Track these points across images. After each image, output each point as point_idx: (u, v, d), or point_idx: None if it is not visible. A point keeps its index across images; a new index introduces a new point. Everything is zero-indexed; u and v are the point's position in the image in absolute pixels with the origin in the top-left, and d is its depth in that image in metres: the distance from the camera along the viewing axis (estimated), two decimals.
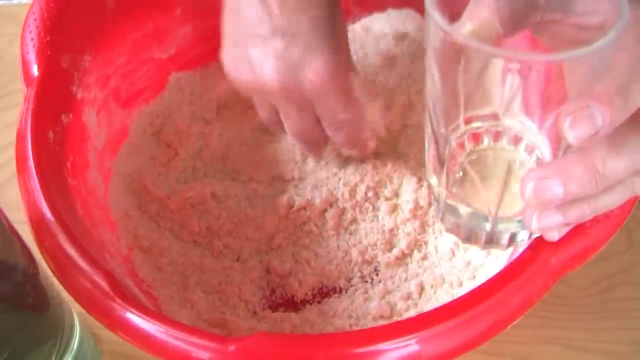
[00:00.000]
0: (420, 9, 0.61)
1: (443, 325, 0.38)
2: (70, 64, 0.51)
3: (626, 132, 0.34)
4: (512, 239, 0.41)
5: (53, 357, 0.43)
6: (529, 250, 0.40)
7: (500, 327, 0.39)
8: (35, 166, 0.44)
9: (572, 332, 0.52)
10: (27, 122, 0.46)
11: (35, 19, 0.50)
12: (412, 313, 0.50)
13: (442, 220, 0.42)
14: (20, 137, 0.46)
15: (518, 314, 0.39)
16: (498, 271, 0.40)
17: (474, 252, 0.51)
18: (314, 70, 0.48)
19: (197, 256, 0.54)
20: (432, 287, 0.50)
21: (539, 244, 0.40)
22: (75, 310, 0.47)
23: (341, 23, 0.51)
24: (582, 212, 0.36)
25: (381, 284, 0.52)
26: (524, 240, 0.41)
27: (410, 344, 0.37)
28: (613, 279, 0.54)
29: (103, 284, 0.40)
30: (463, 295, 0.40)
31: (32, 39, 0.50)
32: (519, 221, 0.39)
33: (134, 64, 0.57)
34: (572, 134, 0.32)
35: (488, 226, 0.40)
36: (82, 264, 0.41)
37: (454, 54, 0.34)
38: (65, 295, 0.44)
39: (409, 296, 0.50)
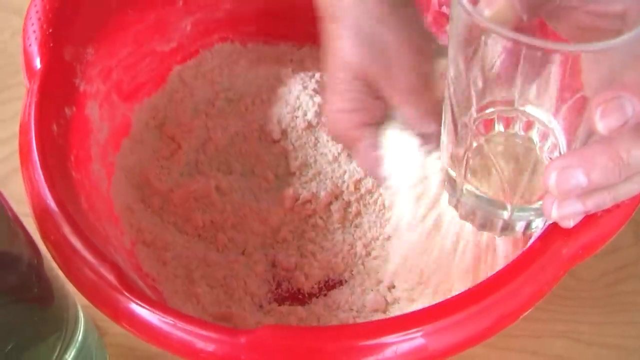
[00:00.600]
0: None
1: (450, 318, 0.37)
2: (73, 56, 0.50)
3: None
4: (528, 226, 0.41)
5: (57, 349, 0.43)
6: (540, 240, 0.40)
7: (511, 319, 0.39)
8: (39, 159, 0.44)
9: (580, 325, 0.52)
10: (31, 115, 0.46)
11: (37, 11, 0.50)
12: (405, 305, 0.50)
13: (456, 207, 0.42)
14: (24, 130, 0.46)
15: (529, 305, 0.39)
16: (509, 262, 0.40)
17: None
18: None
19: (201, 250, 0.53)
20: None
21: (550, 234, 0.40)
22: (80, 303, 0.47)
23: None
24: (602, 201, 0.36)
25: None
26: (538, 227, 0.41)
27: (417, 337, 0.37)
28: (620, 272, 0.54)
29: (109, 276, 0.39)
30: (472, 288, 0.39)
31: (34, 32, 0.49)
32: (536, 209, 0.39)
33: (136, 57, 0.57)
34: (602, 124, 0.32)
35: (506, 214, 0.40)
36: (87, 255, 0.40)
37: (473, 39, 0.34)
38: (70, 288, 0.44)
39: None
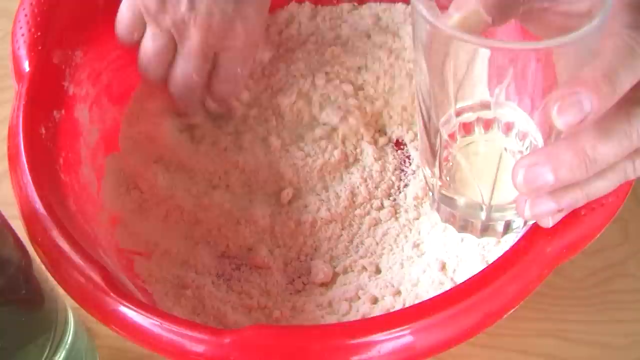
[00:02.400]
0: None
1: (437, 316, 0.38)
2: (62, 59, 0.51)
3: (615, 117, 0.34)
4: (508, 226, 0.41)
5: (46, 352, 0.43)
6: (524, 239, 0.40)
7: (496, 317, 0.39)
8: (27, 162, 0.44)
9: (568, 324, 0.52)
10: (19, 118, 0.46)
11: (25, 15, 0.50)
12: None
13: (437, 210, 0.42)
14: (12, 133, 0.46)
15: (514, 303, 0.39)
16: (493, 261, 0.40)
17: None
18: (244, 25, 0.52)
19: (192, 250, 0.53)
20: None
21: (534, 233, 0.40)
22: (70, 305, 0.47)
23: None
24: (574, 198, 0.36)
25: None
26: (519, 227, 0.41)
27: (403, 335, 0.37)
28: (609, 271, 0.54)
29: (96, 277, 0.40)
30: (457, 286, 0.40)
31: (22, 35, 0.50)
32: (513, 208, 0.39)
33: (126, 59, 0.57)
34: (560, 121, 0.32)
35: (483, 215, 0.40)
36: (75, 257, 0.41)
37: (441, 46, 0.34)
38: (60, 290, 0.44)
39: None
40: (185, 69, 0.54)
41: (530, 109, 0.36)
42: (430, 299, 0.39)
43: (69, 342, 0.46)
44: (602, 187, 0.36)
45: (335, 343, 0.37)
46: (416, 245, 0.52)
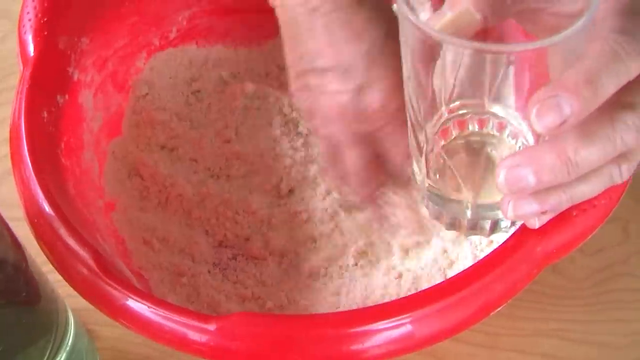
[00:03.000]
0: None
1: (432, 306, 0.38)
2: (67, 45, 0.51)
3: (599, 121, 0.34)
4: (495, 225, 0.41)
5: (47, 353, 0.43)
6: (514, 238, 0.40)
7: (483, 314, 0.39)
8: (27, 144, 0.45)
9: (569, 323, 0.52)
10: (22, 101, 0.47)
11: (33, 0, 0.51)
12: None
13: (426, 207, 0.43)
14: (15, 116, 0.47)
15: (501, 300, 0.39)
16: (483, 257, 0.40)
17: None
18: (377, 91, 0.46)
19: (189, 238, 0.54)
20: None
21: (524, 232, 0.40)
22: (70, 307, 0.48)
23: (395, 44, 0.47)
24: (558, 201, 0.36)
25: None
26: (507, 226, 0.41)
27: (404, 324, 0.38)
28: (609, 271, 0.54)
29: (89, 261, 0.40)
30: (442, 282, 0.41)
31: (29, 20, 0.50)
32: (498, 210, 0.39)
33: (132, 48, 0.57)
34: (538, 124, 0.32)
35: (469, 213, 0.40)
36: (71, 241, 0.41)
37: (429, 49, 0.34)
38: (61, 291, 0.45)
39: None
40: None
41: (522, 109, 0.36)
42: (425, 290, 0.40)
43: (69, 344, 0.46)
44: (586, 190, 0.36)
45: (323, 332, 0.38)
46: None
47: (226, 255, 0.54)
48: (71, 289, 0.42)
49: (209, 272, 0.52)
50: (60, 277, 0.43)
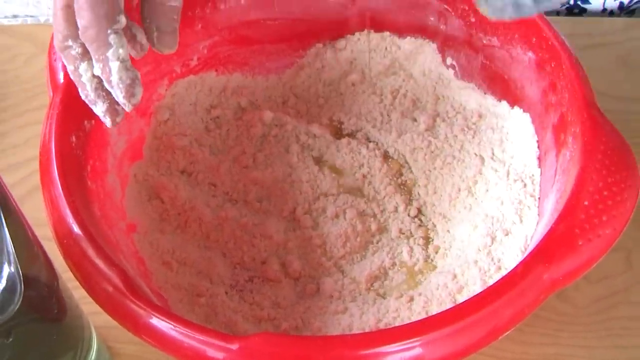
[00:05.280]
0: None
1: (443, 330, 0.40)
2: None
3: None
4: None
5: None
6: (522, 265, 0.42)
7: (491, 338, 0.41)
8: (57, 167, 0.47)
9: (573, 349, 0.53)
10: (52, 126, 0.49)
11: None
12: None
13: None
14: (45, 140, 0.49)
15: (509, 325, 0.41)
16: (493, 283, 0.42)
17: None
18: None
19: (209, 260, 0.55)
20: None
21: (532, 260, 0.42)
22: (93, 324, 0.50)
23: None
24: None
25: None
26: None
27: (412, 348, 0.39)
28: (612, 299, 0.56)
29: (117, 281, 0.42)
30: (452, 308, 0.42)
31: None
32: None
33: (155, 75, 0.59)
34: None
35: None
36: (97, 259, 0.43)
37: None
38: (85, 308, 0.47)
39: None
40: None
41: None
42: (435, 315, 0.41)
43: (93, 358, 0.48)
44: None
45: (345, 353, 0.39)
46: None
47: (243, 277, 0.55)
48: (93, 306, 0.44)
49: (226, 293, 0.53)
50: (84, 294, 0.45)
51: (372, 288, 0.54)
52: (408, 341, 0.39)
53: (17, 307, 0.36)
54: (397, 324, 0.50)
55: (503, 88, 0.58)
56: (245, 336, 0.39)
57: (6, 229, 0.36)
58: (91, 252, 0.44)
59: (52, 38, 0.53)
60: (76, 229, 0.44)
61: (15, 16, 0.75)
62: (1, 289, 0.35)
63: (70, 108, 0.50)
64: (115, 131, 0.55)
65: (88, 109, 0.51)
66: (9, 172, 0.63)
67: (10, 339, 0.37)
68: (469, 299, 0.41)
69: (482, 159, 0.58)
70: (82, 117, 0.51)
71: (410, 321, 0.47)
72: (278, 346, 0.39)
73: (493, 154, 0.57)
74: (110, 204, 0.52)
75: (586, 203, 0.43)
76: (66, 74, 0.51)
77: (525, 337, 0.53)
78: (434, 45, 0.63)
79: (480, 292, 0.41)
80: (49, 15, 0.74)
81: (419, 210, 0.58)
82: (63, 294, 0.44)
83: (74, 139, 0.50)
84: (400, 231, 0.57)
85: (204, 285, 0.53)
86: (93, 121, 0.52)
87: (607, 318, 0.55)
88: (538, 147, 0.54)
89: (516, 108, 0.57)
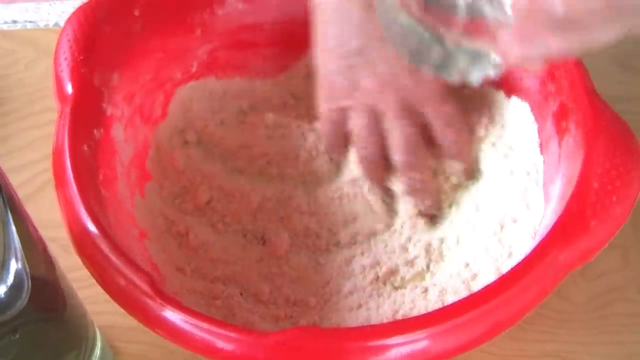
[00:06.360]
0: None
1: (453, 321, 0.41)
2: (101, 82, 0.54)
3: None
4: (465, 70, 0.38)
5: None
6: (539, 248, 0.43)
7: (513, 320, 0.42)
8: (74, 177, 0.47)
9: (570, 345, 0.54)
10: (64, 136, 0.49)
11: (68, 40, 0.53)
12: None
13: (388, 31, 0.40)
14: (58, 151, 0.49)
15: (532, 305, 0.42)
16: (510, 269, 0.43)
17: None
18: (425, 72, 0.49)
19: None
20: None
21: (548, 243, 0.43)
22: (97, 324, 0.50)
23: None
24: (569, 40, 0.33)
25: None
26: (476, 78, 0.38)
27: (420, 339, 0.41)
28: (609, 295, 0.56)
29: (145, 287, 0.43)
30: (475, 293, 0.43)
31: (65, 59, 0.52)
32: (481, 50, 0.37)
33: (158, 82, 0.60)
34: None
35: (442, 50, 0.37)
36: (124, 268, 0.44)
37: None
38: (88, 308, 0.48)
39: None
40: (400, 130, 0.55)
41: None
42: (445, 307, 0.43)
43: (97, 357, 0.49)
44: (601, 35, 0.34)
45: (353, 345, 0.40)
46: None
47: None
48: (97, 306, 0.46)
49: (241, 294, 0.54)
50: (87, 294, 0.46)
51: (388, 281, 0.55)
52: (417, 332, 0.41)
53: (25, 303, 0.37)
54: (414, 315, 0.51)
55: (500, 78, 0.59)
56: (279, 331, 0.40)
57: (13, 227, 0.37)
58: (105, 248, 0.44)
59: (58, 44, 0.53)
60: (91, 227, 0.45)
61: (14, 22, 0.76)
62: (9, 284, 0.36)
63: (81, 118, 0.51)
64: (122, 139, 0.55)
65: (97, 118, 0.52)
66: (13, 174, 0.61)
67: (17, 336, 0.38)
68: (489, 285, 0.43)
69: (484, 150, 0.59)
70: (91, 127, 0.52)
71: (427, 311, 0.49)
72: (313, 339, 0.40)
73: (493, 144, 0.58)
74: (123, 211, 0.53)
75: (595, 185, 0.45)
76: (75, 84, 0.51)
77: (523, 335, 0.54)
78: None
79: (500, 277, 0.43)
80: (48, 20, 0.76)
81: None
82: (66, 292, 0.44)
83: (86, 148, 0.50)
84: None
85: (218, 288, 0.53)
86: (102, 130, 0.52)
87: (605, 315, 0.55)
88: (539, 135, 0.55)
89: (514, 97, 0.58)
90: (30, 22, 0.76)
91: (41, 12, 0.77)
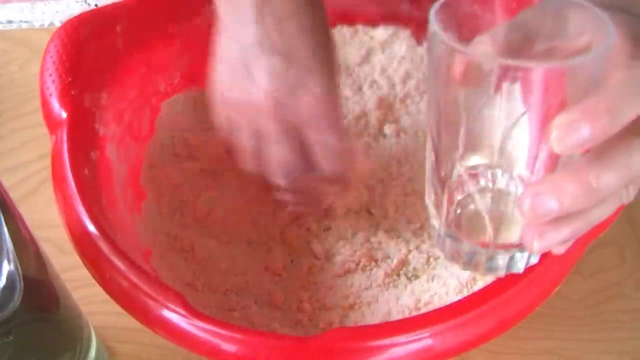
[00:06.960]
0: None
1: (457, 319, 0.42)
2: (92, 102, 0.53)
3: (616, 147, 0.35)
4: (510, 265, 0.42)
5: None
6: None
7: (529, 310, 0.43)
8: (83, 203, 0.46)
9: (566, 342, 0.54)
10: (64, 161, 0.48)
11: (54, 62, 0.52)
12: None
13: (441, 248, 0.44)
14: (59, 178, 0.48)
15: (551, 288, 0.44)
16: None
17: None
18: (313, 92, 0.48)
19: None
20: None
21: None
22: (92, 325, 0.49)
23: (335, 53, 0.52)
24: (577, 228, 0.37)
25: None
26: (522, 265, 0.42)
27: (424, 338, 0.41)
28: (605, 292, 0.57)
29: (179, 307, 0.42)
30: (483, 288, 0.44)
31: (53, 81, 0.51)
32: (516, 249, 0.41)
33: (144, 98, 0.59)
34: (558, 145, 0.34)
35: (487, 253, 0.41)
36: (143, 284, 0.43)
37: (457, 85, 0.36)
38: (83, 309, 0.47)
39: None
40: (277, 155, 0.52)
41: (531, 166, 0.38)
42: (448, 305, 0.43)
43: (92, 358, 0.48)
44: (601, 214, 0.38)
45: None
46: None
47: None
48: (92, 307, 0.47)
49: (255, 302, 0.53)
50: (82, 295, 0.46)
51: (401, 272, 0.55)
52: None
53: (17, 304, 0.37)
54: (436, 302, 0.51)
55: None
56: (319, 335, 0.40)
57: (5, 228, 0.37)
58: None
59: (42, 67, 0.52)
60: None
61: (9, 22, 0.76)
62: (1, 286, 0.36)
63: (78, 141, 0.50)
64: (116, 159, 0.54)
65: (92, 140, 0.51)
66: (6, 175, 0.63)
67: (10, 338, 0.38)
68: (494, 281, 0.44)
69: None
70: (88, 149, 0.51)
71: (449, 298, 0.50)
72: (354, 339, 0.40)
73: None
74: (126, 232, 0.51)
75: None
76: (67, 107, 0.50)
77: (520, 332, 0.53)
78: (407, 32, 0.66)
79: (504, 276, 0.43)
80: (43, 20, 0.76)
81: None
82: (60, 293, 0.44)
83: (87, 171, 0.49)
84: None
85: (233, 300, 0.53)
86: (97, 151, 0.51)
87: (601, 312, 0.56)
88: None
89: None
90: (26, 22, 0.76)
91: (36, 12, 0.77)
